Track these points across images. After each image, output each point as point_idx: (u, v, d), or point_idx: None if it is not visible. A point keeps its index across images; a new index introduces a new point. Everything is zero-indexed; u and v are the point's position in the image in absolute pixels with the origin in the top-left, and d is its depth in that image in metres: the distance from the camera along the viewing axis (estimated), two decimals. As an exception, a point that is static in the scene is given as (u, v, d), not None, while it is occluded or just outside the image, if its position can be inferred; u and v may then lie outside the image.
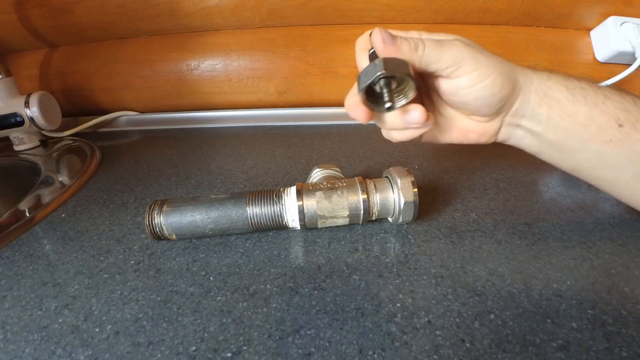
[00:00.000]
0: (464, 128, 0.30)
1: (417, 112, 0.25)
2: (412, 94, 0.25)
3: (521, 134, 0.29)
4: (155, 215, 0.29)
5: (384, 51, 0.24)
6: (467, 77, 0.25)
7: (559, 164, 0.29)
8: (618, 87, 0.52)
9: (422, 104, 0.29)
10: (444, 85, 0.27)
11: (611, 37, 0.51)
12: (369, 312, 0.24)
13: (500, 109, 0.27)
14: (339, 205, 0.29)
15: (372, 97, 0.25)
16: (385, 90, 0.24)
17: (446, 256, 0.28)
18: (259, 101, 0.61)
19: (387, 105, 0.24)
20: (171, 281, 0.27)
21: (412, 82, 0.24)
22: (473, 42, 0.27)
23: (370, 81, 0.23)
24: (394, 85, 0.25)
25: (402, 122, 0.26)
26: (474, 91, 0.26)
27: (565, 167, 0.29)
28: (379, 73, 0.23)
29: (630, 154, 0.26)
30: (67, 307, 0.25)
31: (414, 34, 0.27)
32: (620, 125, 0.25)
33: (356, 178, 0.30)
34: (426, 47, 0.25)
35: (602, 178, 0.28)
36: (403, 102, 0.25)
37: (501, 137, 0.29)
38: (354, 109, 0.26)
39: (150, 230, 0.29)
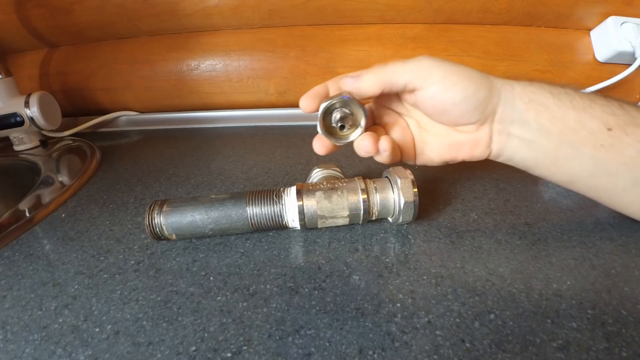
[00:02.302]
0: (454, 142, 0.30)
1: (364, 142, 0.28)
2: (363, 122, 0.28)
3: (515, 145, 0.28)
4: (155, 215, 0.29)
5: (352, 86, 0.28)
6: (438, 85, 0.26)
7: (556, 176, 0.29)
8: (617, 86, 0.52)
9: (408, 128, 0.32)
10: (421, 98, 0.28)
11: (611, 37, 0.51)
12: (369, 312, 0.24)
13: (482, 113, 0.27)
14: (339, 205, 0.29)
15: (332, 132, 0.29)
16: (340, 125, 0.28)
17: (446, 256, 0.28)
18: (259, 101, 0.61)
19: (343, 132, 0.29)
20: (171, 281, 0.27)
21: (361, 110, 0.28)
22: (441, 58, 0.28)
23: (321, 112, 0.28)
24: (349, 121, 0.29)
25: (359, 151, 0.29)
26: (450, 96, 0.27)
27: (562, 180, 0.29)
28: (324, 104, 0.28)
29: (625, 158, 0.26)
30: (67, 307, 0.25)
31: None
32: (610, 129, 0.25)
33: (356, 178, 0.30)
34: (389, 65, 0.27)
35: (600, 187, 0.28)
36: (358, 132, 0.29)
37: (495, 150, 0.29)
38: (314, 143, 0.30)
39: (150, 230, 0.29)
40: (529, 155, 0.28)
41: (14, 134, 0.54)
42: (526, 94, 0.27)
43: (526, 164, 0.29)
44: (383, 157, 0.29)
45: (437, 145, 0.31)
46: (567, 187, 0.30)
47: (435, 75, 0.26)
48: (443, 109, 0.28)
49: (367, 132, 0.29)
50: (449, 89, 0.26)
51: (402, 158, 0.31)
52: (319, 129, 0.29)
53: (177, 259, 0.29)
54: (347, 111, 0.28)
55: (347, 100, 0.28)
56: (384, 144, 0.28)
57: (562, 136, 0.26)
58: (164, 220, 0.29)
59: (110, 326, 0.24)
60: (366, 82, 0.27)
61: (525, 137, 0.28)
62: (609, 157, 0.26)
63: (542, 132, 0.27)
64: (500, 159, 0.30)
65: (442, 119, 0.29)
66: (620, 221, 0.31)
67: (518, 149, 0.28)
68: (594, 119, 0.26)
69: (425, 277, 0.26)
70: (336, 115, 0.28)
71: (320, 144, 0.30)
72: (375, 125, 0.32)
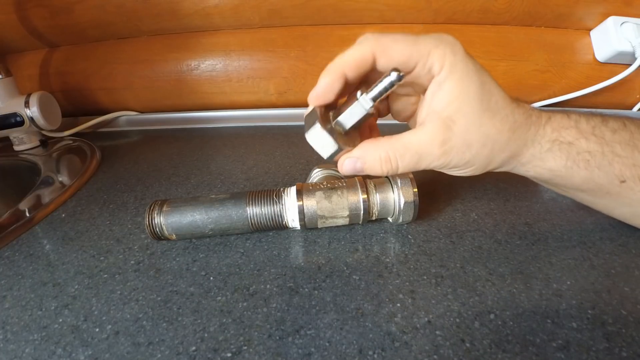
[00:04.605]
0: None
1: (343, 162, 0.25)
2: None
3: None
4: (155, 215, 0.29)
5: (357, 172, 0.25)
6: (444, 170, 0.25)
7: (546, 187, 0.30)
8: (617, 86, 0.52)
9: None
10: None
11: (611, 37, 0.51)
12: (369, 312, 0.24)
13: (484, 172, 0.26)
14: (339, 205, 0.29)
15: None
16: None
17: (446, 256, 0.28)
18: (259, 101, 0.61)
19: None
20: (171, 281, 0.27)
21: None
22: (468, 106, 0.22)
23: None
24: None
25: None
26: (451, 172, 0.26)
27: (553, 190, 0.30)
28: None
29: (630, 201, 0.25)
30: (67, 307, 0.25)
31: (434, 67, 0.22)
32: (623, 182, 0.24)
33: (356, 178, 0.30)
34: (399, 168, 0.24)
35: (598, 208, 0.30)
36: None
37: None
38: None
39: (150, 230, 0.29)
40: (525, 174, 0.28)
41: (14, 134, 0.54)
42: (534, 163, 0.25)
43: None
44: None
45: None
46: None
47: (444, 168, 0.25)
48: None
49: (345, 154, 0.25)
50: (455, 172, 0.25)
51: None
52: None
53: (177, 259, 0.29)
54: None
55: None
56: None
57: (561, 186, 0.27)
58: (164, 220, 0.29)
59: (110, 326, 0.24)
60: (370, 172, 0.25)
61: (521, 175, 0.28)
62: (611, 199, 0.26)
63: (540, 180, 0.27)
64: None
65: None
66: (620, 221, 0.31)
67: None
68: (608, 175, 0.24)
69: (425, 277, 0.26)
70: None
71: None
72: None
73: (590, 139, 0.24)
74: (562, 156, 0.24)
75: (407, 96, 0.27)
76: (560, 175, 0.25)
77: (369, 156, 0.24)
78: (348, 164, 0.25)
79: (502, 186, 0.38)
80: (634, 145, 0.24)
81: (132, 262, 0.29)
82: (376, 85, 0.22)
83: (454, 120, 0.22)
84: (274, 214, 0.29)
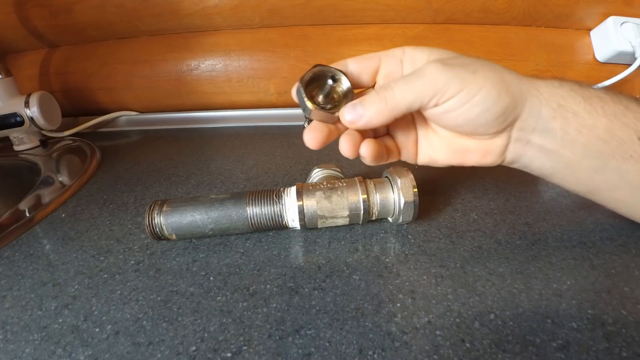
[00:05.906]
0: (462, 148, 0.26)
1: (342, 144, 0.25)
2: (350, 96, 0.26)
3: (532, 153, 0.25)
4: (155, 215, 0.29)
5: (355, 125, 0.25)
6: (453, 99, 0.23)
7: (574, 187, 0.27)
8: (617, 86, 0.52)
9: (413, 123, 0.28)
10: (430, 114, 0.24)
11: (611, 37, 0.51)
12: (369, 312, 0.24)
13: (501, 124, 0.24)
14: (339, 205, 0.29)
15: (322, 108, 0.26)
16: (327, 98, 0.26)
17: (446, 256, 0.28)
18: (259, 101, 0.61)
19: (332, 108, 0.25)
20: (171, 281, 0.27)
21: (340, 80, 0.25)
22: (453, 55, 0.24)
23: (301, 86, 0.25)
24: (335, 95, 0.26)
25: (341, 151, 0.26)
26: (464, 112, 0.23)
27: (580, 191, 0.27)
28: (302, 78, 0.25)
29: None
30: (67, 307, 0.25)
31: (395, 52, 0.28)
32: None
33: (356, 178, 0.30)
34: (396, 92, 0.23)
35: (620, 199, 0.26)
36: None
37: (510, 158, 0.26)
38: (305, 135, 0.26)
39: (150, 230, 0.29)
40: (547, 165, 0.26)
41: (14, 134, 0.54)
42: (555, 99, 0.23)
43: (543, 173, 0.27)
44: (365, 161, 0.26)
45: (443, 148, 0.27)
46: (584, 196, 0.28)
47: (451, 89, 0.22)
48: (456, 124, 0.24)
49: (348, 132, 0.25)
50: (465, 102, 0.22)
51: (400, 156, 0.29)
52: (308, 105, 0.24)
53: (177, 259, 0.29)
54: (331, 82, 0.25)
55: (327, 70, 0.25)
56: (364, 150, 0.25)
57: (588, 147, 0.24)
58: (164, 220, 0.29)
59: (110, 326, 0.24)
60: (372, 120, 0.23)
61: (547, 147, 0.24)
62: (635, 169, 0.24)
63: (566, 142, 0.24)
64: (514, 166, 0.27)
65: (453, 131, 0.26)
66: (620, 221, 0.31)
67: (536, 158, 0.26)
68: (626, 127, 0.23)
69: (425, 277, 0.26)
70: (323, 86, 0.25)
71: (312, 135, 0.26)
72: None
73: (597, 90, 0.24)
74: (576, 98, 0.23)
75: (402, 119, 0.26)
76: (586, 126, 0.23)
77: (366, 97, 0.24)
78: (348, 110, 0.24)
79: (502, 186, 0.38)
80: (636, 102, 0.24)
81: (132, 262, 0.29)
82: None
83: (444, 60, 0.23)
84: (274, 214, 0.29)
